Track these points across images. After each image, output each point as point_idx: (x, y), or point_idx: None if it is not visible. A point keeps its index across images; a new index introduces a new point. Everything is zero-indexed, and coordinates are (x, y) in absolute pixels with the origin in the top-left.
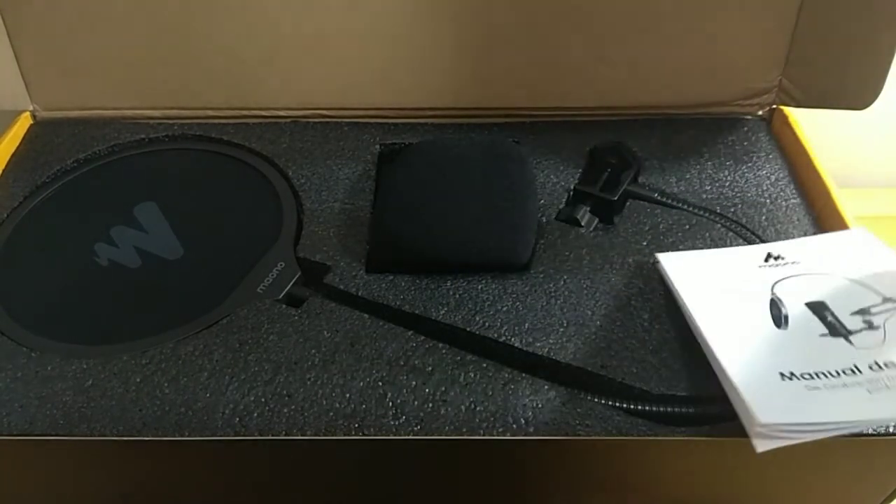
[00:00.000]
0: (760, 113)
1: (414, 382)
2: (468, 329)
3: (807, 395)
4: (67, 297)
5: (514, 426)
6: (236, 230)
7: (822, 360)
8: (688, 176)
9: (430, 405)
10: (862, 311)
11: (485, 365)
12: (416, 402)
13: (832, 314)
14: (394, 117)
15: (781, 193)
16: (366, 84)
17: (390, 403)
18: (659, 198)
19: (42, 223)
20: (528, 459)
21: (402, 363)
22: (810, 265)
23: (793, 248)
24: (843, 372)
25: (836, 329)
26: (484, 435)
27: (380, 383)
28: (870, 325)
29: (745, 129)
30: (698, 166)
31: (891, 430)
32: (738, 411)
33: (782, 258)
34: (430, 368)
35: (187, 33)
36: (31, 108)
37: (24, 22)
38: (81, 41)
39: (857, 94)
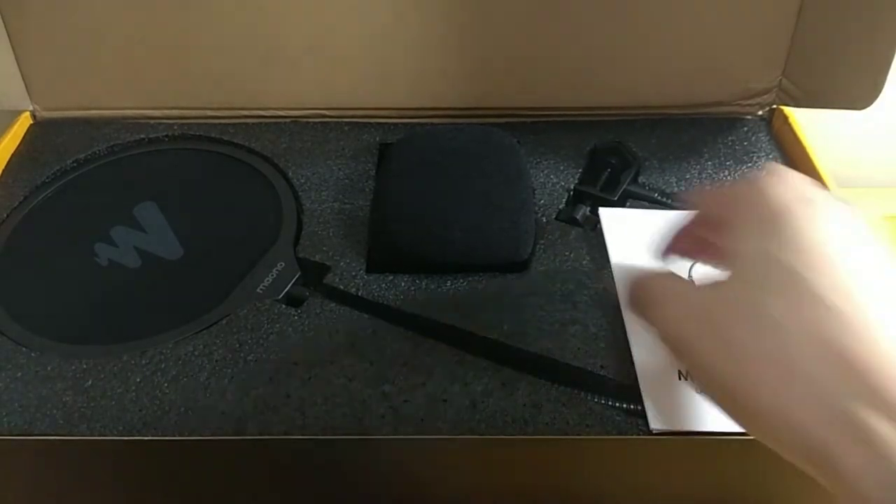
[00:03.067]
0: (761, 113)
1: (414, 382)
2: (468, 329)
3: (695, 399)
4: (67, 296)
5: (514, 426)
6: (236, 230)
7: None
8: (688, 176)
9: (430, 405)
10: None
11: (485, 365)
12: (416, 402)
13: None
14: (394, 117)
15: None
16: (366, 84)
17: (390, 403)
18: (659, 198)
19: (42, 223)
20: (528, 459)
21: (402, 363)
22: None
23: None
24: None
25: None
26: (484, 435)
27: (379, 383)
28: None
29: (746, 128)
30: (698, 166)
31: None
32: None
33: None
34: (430, 368)
35: (187, 33)
36: (31, 108)
37: (25, 22)
38: (81, 41)
39: (858, 94)
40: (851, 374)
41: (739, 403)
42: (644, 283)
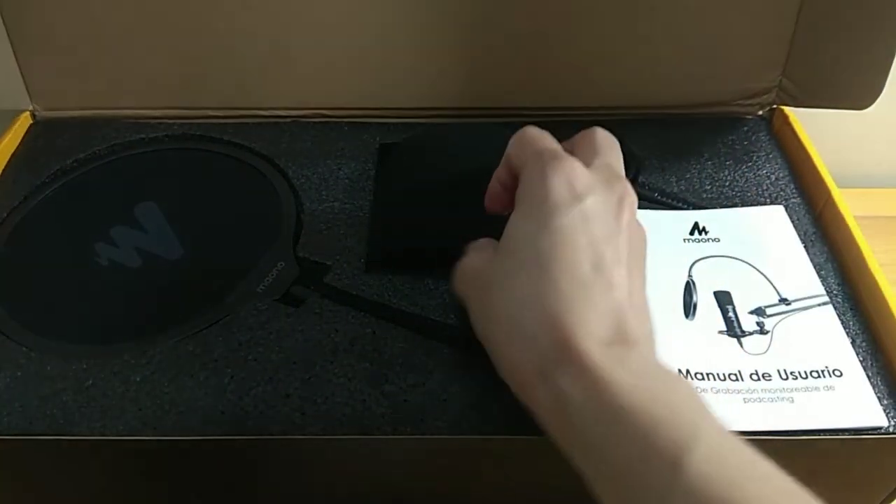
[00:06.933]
0: (761, 112)
1: (414, 382)
2: (468, 329)
3: None
4: (67, 296)
5: (514, 426)
6: (236, 230)
7: (715, 360)
8: (688, 175)
9: (430, 405)
10: (758, 311)
11: (485, 365)
12: (415, 402)
13: (733, 309)
14: (393, 117)
15: (782, 193)
16: (365, 84)
17: (390, 403)
18: (659, 197)
19: (42, 223)
20: (528, 459)
21: (401, 363)
22: (728, 245)
23: (717, 221)
24: (729, 376)
25: (732, 328)
26: (484, 435)
27: (379, 383)
28: (761, 329)
29: (746, 128)
30: (698, 166)
31: (890, 429)
32: None
33: (706, 231)
34: (430, 368)
35: (187, 33)
36: (31, 107)
37: (25, 21)
38: (82, 41)
39: (858, 94)
40: (552, 332)
41: (489, 342)
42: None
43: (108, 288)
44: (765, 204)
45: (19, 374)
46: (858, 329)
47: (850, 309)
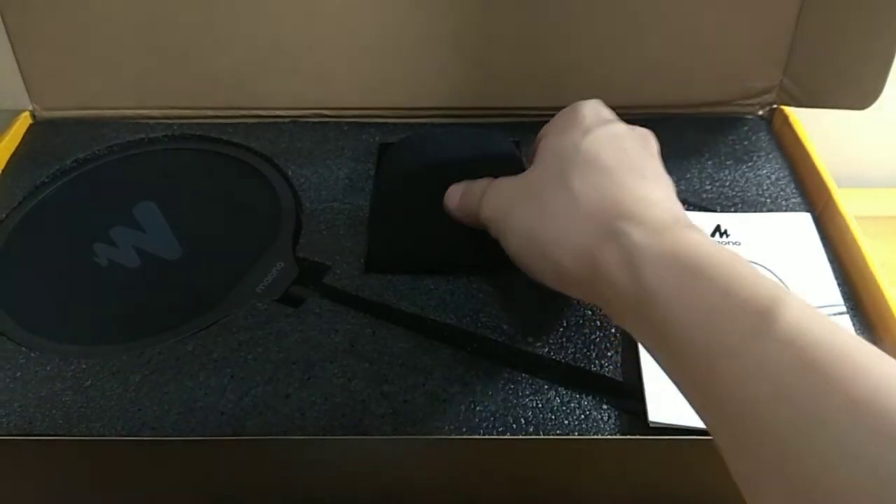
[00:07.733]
0: (761, 112)
1: (414, 382)
2: (468, 329)
3: None
4: (66, 296)
5: (514, 426)
6: (235, 230)
7: None
8: (688, 175)
9: (430, 405)
10: None
11: (485, 365)
12: (415, 402)
13: None
14: (393, 117)
15: (782, 193)
16: (365, 84)
17: (390, 403)
18: None
19: (41, 223)
20: (528, 459)
21: (401, 363)
22: (749, 249)
23: (740, 225)
24: None
25: None
26: (484, 435)
27: (379, 383)
28: None
29: (746, 128)
30: (699, 166)
31: None
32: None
33: (727, 235)
34: (430, 368)
35: (187, 33)
36: (30, 107)
37: (25, 21)
38: (81, 41)
39: (858, 94)
40: (614, 206)
41: (537, 242)
42: (469, 186)
43: (107, 288)
44: (765, 203)
45: (19, 374)
46: (858, 329)
47: (850, 309)
